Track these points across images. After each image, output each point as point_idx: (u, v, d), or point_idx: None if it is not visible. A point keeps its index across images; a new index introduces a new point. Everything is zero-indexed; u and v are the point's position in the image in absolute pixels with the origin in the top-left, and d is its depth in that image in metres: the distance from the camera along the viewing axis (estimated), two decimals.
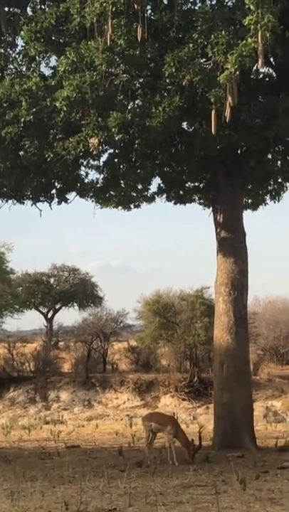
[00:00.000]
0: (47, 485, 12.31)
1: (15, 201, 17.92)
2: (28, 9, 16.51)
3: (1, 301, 37.39)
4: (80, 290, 42.32)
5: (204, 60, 14.55)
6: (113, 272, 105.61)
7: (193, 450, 15.31)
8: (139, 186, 18.15)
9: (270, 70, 16.77)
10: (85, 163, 17.36)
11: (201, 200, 20.23)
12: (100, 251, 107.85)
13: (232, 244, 17.99)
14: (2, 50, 16.76)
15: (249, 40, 13.04)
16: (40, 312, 42.11)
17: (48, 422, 26.34)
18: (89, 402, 28.56)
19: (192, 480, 12.41)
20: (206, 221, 18.94)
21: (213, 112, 14.29)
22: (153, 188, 18.64)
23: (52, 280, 43.08)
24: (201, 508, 10.05)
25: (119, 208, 18.99)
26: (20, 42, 16.45)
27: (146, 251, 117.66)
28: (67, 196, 18.07)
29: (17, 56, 16.72)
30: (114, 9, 13.77)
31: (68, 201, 18.10)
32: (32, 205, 18.06)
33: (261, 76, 16.78)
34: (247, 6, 12.90)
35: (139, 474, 13.30)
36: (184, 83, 14.38)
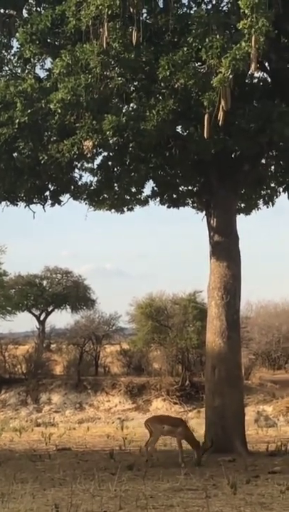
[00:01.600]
0: (37, 487, 12.26)
1: (8, 203, 17.90)
2: (24, 11, 16.57)
3: None
4: (72, 293, 42.22)
5: (198, 63, 14.61)
6: (106, 275, 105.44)
7: (203, 450, 15.48)
8: (133, 189, 18.14)
9: (264, 74, 16.84)
10: (79, 165, 17.38)
11: (195, 204, 20.21)
12: (93, 254, 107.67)
13: (225, 248, 17.98)
14: None
15: (243, 44, 13.10)
16: (33, 314, 41.98)
17: (40, 424, 26.21)
18: (80, 405, 28.51)
19: (183, 484, 12.39)
20: (200, 225, 19.00)
21: (206, 116, 14.31)
22: (146, 191, 18.69)
23: (45, 282, 42.96)
24: (191, 511, 10.05)
25: (113, 210, 19.00)
26: (15, 44, 16.56)
27: (139, 255, 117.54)
28: (61, 198, 18.09)
29: (12, 58, 16.80)
30: (109, 12, 13.82)
31: (62, 203, 18.13)
32: (25, 207, 18.07)
33: (256, 81, 16.87)
34: (242, 11, 12.95)
35: (129, 477, 13.27)
36: (177, 86, 14.40)
